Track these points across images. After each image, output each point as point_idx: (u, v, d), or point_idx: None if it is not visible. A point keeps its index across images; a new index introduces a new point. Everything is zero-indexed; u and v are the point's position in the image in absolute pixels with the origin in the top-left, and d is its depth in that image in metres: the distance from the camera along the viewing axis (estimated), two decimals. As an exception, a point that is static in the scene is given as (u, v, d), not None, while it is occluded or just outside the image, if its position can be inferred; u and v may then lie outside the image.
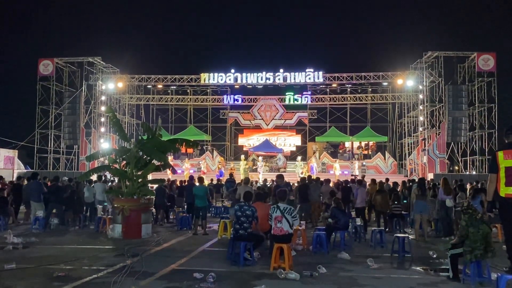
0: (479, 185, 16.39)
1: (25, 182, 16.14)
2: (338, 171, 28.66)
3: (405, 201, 14.60)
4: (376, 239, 10.95)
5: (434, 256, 9.42)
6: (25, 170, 29.41)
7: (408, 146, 33.95)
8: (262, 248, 9.42)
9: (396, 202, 13.26)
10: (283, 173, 20.42)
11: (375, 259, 8.87)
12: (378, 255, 9.57)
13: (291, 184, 17.48)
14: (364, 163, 31.40)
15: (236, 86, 35.08)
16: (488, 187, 6.70)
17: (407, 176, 28.86)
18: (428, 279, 7.58)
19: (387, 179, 18.02)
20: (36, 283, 7.01)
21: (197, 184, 13.83)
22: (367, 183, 15.91)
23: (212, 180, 23.06)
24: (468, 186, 17.11)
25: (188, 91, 37.09)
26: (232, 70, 33.85)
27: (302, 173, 27.71)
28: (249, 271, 8.03)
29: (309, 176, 17.96)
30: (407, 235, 10.54)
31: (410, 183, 16.65)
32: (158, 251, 10.15)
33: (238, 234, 8.69)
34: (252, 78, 33.56)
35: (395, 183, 16.12)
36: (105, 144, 31.27)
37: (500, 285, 5.70)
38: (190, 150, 33.09)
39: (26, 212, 15.79)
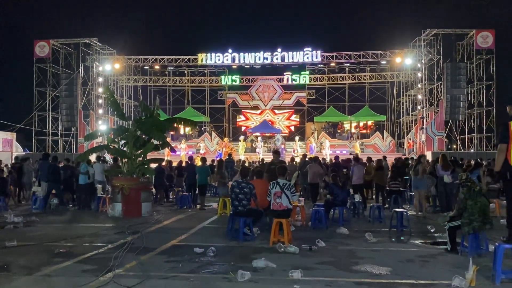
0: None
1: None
2: (328, 150, 28.24)
3: (406, 177, 14.64)
4: (374, 215, 11.03)
5: (432, 230, 9.47)
6: (24, 153, 29.39)
7: (407, 124, 33.95)
8: (262, 225, 9.49)
9: (394, 179, 13.31)
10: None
11: (374, 233, 8.93)
12: (376, 230, 9.63)
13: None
14: (362, 143, 31.45)
15: (233, 67, 34.83)
16: (497, 157, 6.57)
17: (405, 155, 28.91)
18: (426, 252, 7.64)
19: (399, 158, 17.77)
20: (38, 259, 7.04)
21: (200, 163, 14.10)
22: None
23: (213, 160, 22.99)
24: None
25: (186, 72, 36.84)
26: (230, 50, 33.54)
27: (294, 151, 27.81)
28: (249, 245, 8.10)
29: (304, 155, 18.04)
30: (405, 210, 10.60)
31: (409, 161, 16.66)
32: (159, 228, 10.21)
33: (237, 210, 8.74)
34: (250, 58, 33.29)
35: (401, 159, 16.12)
36: (103, 126, 31.17)
37: (498, 254, 5.72)
38: (189, 131, 33.10)
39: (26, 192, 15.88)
